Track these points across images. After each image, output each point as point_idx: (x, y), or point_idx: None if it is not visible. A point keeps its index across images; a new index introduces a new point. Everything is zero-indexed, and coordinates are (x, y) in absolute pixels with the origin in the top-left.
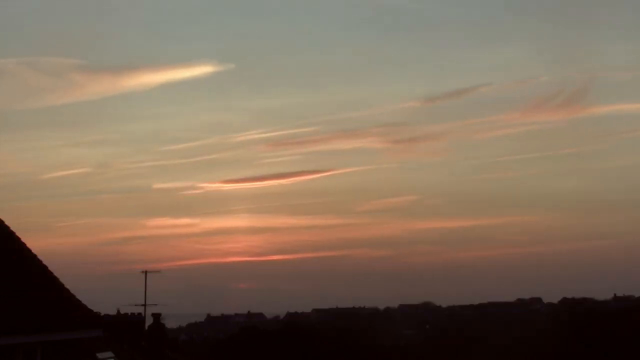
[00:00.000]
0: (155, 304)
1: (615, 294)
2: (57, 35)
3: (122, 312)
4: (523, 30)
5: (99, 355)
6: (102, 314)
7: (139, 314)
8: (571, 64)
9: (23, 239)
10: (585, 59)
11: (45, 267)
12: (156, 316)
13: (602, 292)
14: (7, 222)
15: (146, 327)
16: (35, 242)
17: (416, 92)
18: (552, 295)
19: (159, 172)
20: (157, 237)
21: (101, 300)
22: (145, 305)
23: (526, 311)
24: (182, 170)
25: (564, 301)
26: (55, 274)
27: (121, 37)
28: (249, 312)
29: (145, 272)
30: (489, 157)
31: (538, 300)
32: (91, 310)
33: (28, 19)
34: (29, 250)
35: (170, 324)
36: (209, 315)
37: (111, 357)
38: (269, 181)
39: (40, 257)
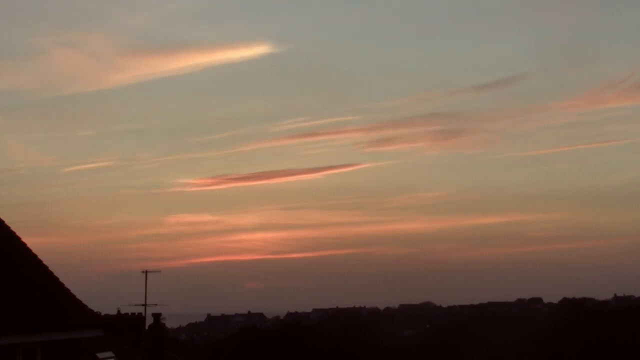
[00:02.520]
0: (156, 304)
1: (615, 294)
2: (98, 11)
3: (122, 312)
4: (583, 8)
5: (99, 355)
6: (102, 314)
7: (139, 313)
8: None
9: (31, 238)
10: None
11: (45, 267)
12: (156, 316)
13: (602, 292)
14: (17, 222)
15: (146, 327)
16: (44, 240)
17: (464, 80)
18: (552, 295)
19: (184, 166)
20: (173, 235)
21: (101, 300)
22: (145, 305)
23: (526, 311)
24: (208, 164)
25: (564, 301)
26: (56, 273)
27: (169, 12)
28: (249, 312)
29: (146, 272)
30: (532, 150)
31: (538, 300)
32: (91, 310)
33: None
34: (29, 250)
35: (170, 324)
36: (209, 315)
37: (111, 357)
38: (299, 176)
39: (41, 256)
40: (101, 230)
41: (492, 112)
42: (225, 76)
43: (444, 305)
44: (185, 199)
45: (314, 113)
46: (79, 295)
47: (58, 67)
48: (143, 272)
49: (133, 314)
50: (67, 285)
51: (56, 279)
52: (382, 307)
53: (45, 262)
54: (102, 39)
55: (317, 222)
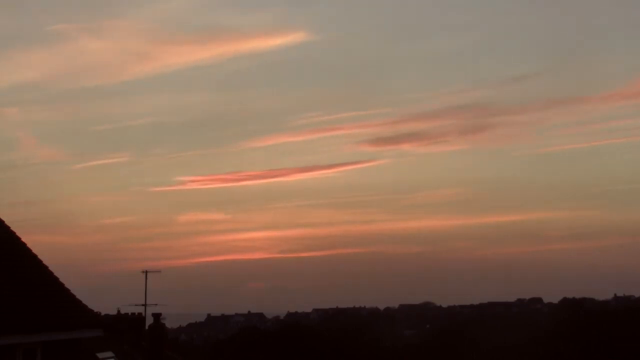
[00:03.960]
0: (156, 304)
1: (615, 294)
2: None
3: (122, 312)
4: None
5: (99, 355)
6: (102, 314)
7: (139, 313)
8: None
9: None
10: None
11: (45, 267)
12: (156, 316)
13: (602, 292)
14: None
15: (146, 327)
16: (50, 240)
17: (492, 73)
18: (552, 295)
19: (198, 162)
20: (181, 234)
21: (101, 300)
22: (145, 305)
23: (526, 311)
24: (222, 160)
25: (564, 301)
26: (56, 273)
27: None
28: (249, 312)
29: (146, 272)
30: (531, 149)
31: (538, 300)
32: (91, 310)
33: None
34: (29, 250)
35: (170, 324)
36: (209, 315)
37: (111, 357)
38: (314, 172)
39: (42, 256)
40: (108, 230)
41: (494, 110)
42: (249, 67)
43: (444, 305)
44: (198, 197)
45: (332, 107)
46: (79, 295)
47: (81, 57)
48: (143, 272)
49: (133, 314)
50: (67, 285)
51: (56, 279)
52: (382, 307)
53: (45, 262)
54: (128, 26)
55: (324, 221)
